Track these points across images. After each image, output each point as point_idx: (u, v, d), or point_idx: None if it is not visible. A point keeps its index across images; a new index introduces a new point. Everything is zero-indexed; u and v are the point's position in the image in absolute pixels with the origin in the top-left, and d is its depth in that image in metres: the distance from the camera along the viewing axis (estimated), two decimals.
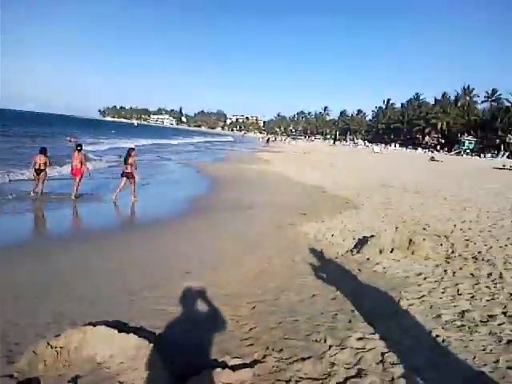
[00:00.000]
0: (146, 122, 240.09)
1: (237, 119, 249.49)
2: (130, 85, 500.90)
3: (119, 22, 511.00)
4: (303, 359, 3.44)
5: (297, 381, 3.12)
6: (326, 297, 5.05)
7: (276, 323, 4.20)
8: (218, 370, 3.04)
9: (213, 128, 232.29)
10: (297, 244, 7.64)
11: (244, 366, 3.20)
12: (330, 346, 3.72)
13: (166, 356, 3.19)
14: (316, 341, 3.83)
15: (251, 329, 4.01)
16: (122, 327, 3.53)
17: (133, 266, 6.07)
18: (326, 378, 3.19)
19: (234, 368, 3.13)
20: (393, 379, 3.24)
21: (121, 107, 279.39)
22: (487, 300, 5.14)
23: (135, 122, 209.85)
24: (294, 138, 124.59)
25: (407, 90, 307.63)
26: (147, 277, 5.59)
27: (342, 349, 3.68)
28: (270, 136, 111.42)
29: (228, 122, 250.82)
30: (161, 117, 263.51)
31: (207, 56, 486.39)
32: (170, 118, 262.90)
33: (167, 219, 9.69)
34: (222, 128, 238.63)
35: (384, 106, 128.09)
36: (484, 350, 3.80)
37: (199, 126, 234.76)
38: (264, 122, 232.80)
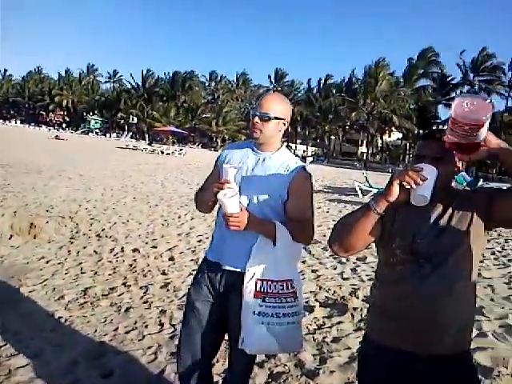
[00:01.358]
0: None
1: None
2: None
3: None
4: None
5: None
6: None
7: None
8: None
9: None
10: None
11: None
12: None
13: None
14: None
15: None
16: None
17: None
18: None
19: None
20: (10, 371, 3.15)
21: None
22: (109, 274, 5.59)
23: None
24: None
25: (26, 62, 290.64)
26: None
27: None
28: None
29: None
30: None
31: None
32: None
33: None
34: None
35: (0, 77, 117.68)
36: (105, 322, 4.15)
37: None
38: None
